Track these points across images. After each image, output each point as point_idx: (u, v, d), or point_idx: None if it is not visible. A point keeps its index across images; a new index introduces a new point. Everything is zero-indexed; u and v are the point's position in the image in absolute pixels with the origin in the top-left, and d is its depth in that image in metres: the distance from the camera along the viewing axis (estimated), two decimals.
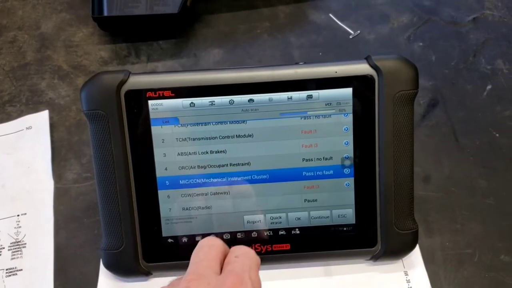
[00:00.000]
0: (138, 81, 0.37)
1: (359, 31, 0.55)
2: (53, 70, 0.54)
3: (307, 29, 0.55)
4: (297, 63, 0.39)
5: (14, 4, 0.59)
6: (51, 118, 0.50)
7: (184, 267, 0.40)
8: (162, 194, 0.39)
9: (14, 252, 0.43)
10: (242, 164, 0.38)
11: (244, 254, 0.31)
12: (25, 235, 0.44)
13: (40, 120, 0.50)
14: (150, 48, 0.54)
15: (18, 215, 0.45)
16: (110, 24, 0.55)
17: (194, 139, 0.38)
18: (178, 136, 0.38)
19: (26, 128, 0.49)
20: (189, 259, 0.39)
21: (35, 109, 0.51)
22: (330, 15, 0.56)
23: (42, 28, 0.57)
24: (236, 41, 0.55)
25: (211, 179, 0.39)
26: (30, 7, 0.58)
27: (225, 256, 0.31)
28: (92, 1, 0.52)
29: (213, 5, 0.57)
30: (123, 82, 0.37)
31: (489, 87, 0.51)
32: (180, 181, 0.39)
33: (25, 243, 0.43)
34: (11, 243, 0.43)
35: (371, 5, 0.57)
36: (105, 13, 0.54)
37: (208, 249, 0.31)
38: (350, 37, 0.54)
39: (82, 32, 0.56)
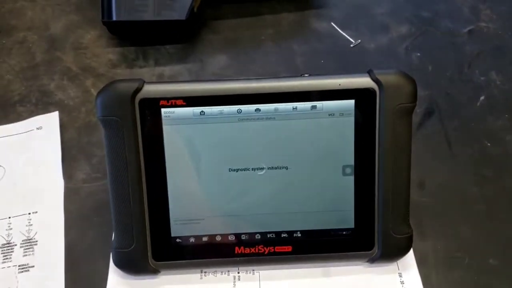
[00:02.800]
0: (152, 90, 0.39)
1: (359, 40, 0.57)
2: (62, 71, 0.55)
3: (310, 37, 0.57)
4: (302, 75, 0.41)
5: (24, 5, 0.60)
6: (60, 119, 0.51)
7: (191, 266, 0.43)
8: (172, 197, 0.41)
9: (26, 249, 0.44)
10: (251, 169, 0.40)
11: None
12: (36, 232, 0.45)
13: (51, 121, 0.51)
14: (157, 52, 0.56)
15: (29, 213, 0.46)
16: (118, 28, 0.56)
17: (204, 145, 0.40)
18: (189, 142, 0.40)
19: (37, 128, 0.51)
20: (196, 258, 0.42)
21: (45, 110, 0.53)
22: (332, 23, 0.58)
23: (51, 29, 0.59)
24: (241, 48, 0.57)
25: (220, 184, 0.41)
26: (39, 8, 0.60)
27: None
28: (102, 5, 0.54)
29: (219, 11, 0.58)
30: (137, 91, 0.39)
31: (482, 97, 0.53)
32: (190, 185, 0.41)
33: (37, 241, 0.45)
34: (23, 241, 0.45)
35: (372, 15, 0.59)
36: (114, 18, 0.55)
37: None
38: (351, 45, 0.57)
39: (90, 34, 0.58)
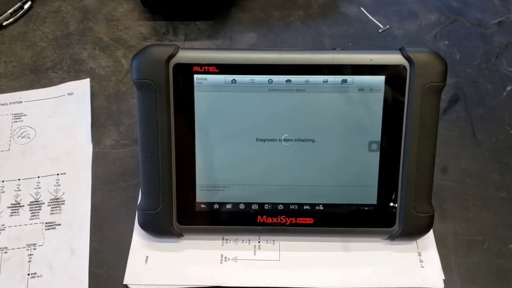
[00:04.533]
0: (186, 55, 0.40)
1: (388, 26, 0.57)
2: (94, 41, 0.57)
3: (339, 20, 0.58)
4: (334, 49, 0.41)
5: None
6: (91, 87, 0.53)
7: (214, 232, 0.43)
8: (199, 163, 0.41)
9: (53, 208, 0.46)
10: (278, 140, 0.41)
11: None
12: (63, 193, 0.47)
13: (82, 87, 0.52)
14: (188, 27, 0.57)
15: (57, 174, 0.48)
16: (151, 2, 0.57)
17: (233, 113, 0.41)
18: (219, 109, 0.41)
19: (68, 94, 0.52)
20: (219, 224, 0.43)
21: (76, 77, 0.54)
22: (361, 8, 0.59)
23: (85, 0, 0.60)
24: (270, 27, 0.57)
25: (247, 152, 0.41)
26: None
27: None
28: None
29: None
30: (172, 55, 0.40)
31: (509, 88, 0.53)
32: (217, 152, 0.41)
33: (64, 201, 0.46)
34: (50, 199, 0.46)
35: (401, 2, 0.59)
36: None
37: None
38: (380, 31, 0.57)
39: (123, 7, 0.59)
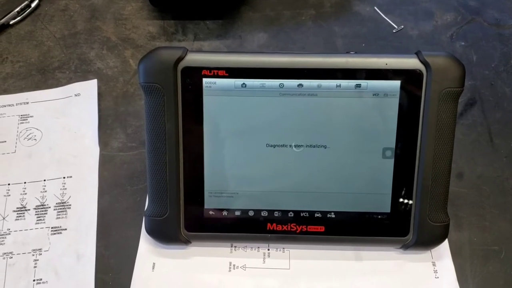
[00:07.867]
0: (195, 58, 0.39)
1: (402, 26, 0.56)
2: (102, 40, 0.56)
3: (351, 20, 0.56)
4: (348, 52, 0.40)
5: None
6: (98, 88, 0.52)
7: (222, 239, 0.42)
8: (208, 168, 0.40)
9: (59, 212, 0.45)
10: (288, 146, 0.40)
11: None
12: (70, 196, 0.46)
13: (89, 88, 0.51)
14: (197, 27, 0.56)
15: (64, 177, 0.47)
16: (160, 0, 0.56)
17: (243, 118, 0.40)
18: (228, 114, 0.40)
19: (75, 95, 0.51)
20: (227, 231, 0.42)
21: (83, 77, 0.53)
22: (375, 8, 0.57)
23: None
24: (281, 26, 0.56)
25: (257, 159, 0.40)
26: None
27: None
28: None
29: None
30: (180, 59, 0.39)
31: None
32: (226, 157, 0.40)
33: (70, 205, 0.45)
34: (56, 203, 0.45)
35: (416, 2, 0.58)
36: None
37: None
38: (394, 31, 0.55)
39: (131, 6, 0.58)
